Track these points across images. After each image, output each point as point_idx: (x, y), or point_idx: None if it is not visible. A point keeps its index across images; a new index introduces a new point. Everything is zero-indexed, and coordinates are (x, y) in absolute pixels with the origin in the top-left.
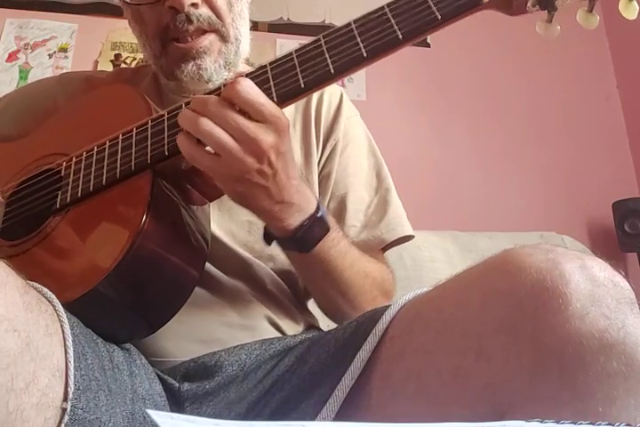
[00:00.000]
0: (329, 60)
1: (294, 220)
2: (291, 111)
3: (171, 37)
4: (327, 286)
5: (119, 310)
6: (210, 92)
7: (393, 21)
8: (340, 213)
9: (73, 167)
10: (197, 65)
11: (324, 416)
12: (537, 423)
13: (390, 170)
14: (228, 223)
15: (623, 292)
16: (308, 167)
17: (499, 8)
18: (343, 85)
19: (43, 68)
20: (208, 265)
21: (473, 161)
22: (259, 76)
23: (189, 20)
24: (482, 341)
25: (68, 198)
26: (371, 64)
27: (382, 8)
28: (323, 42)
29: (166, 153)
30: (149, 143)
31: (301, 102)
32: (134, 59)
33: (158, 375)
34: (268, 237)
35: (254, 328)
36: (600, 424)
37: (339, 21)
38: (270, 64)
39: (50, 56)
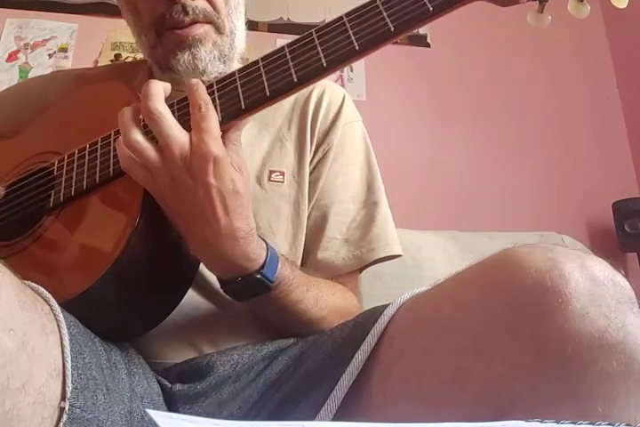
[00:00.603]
0: (321, 54)
1: (223, 273)
2: (287, 112)
3: (166, 27)
4: (278, 326)
5: (116, 307)
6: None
7: (385, 14)
8: (322, 223)
9: (65, 166)
10: (193, 54)
11: (323, 417)
12: (537, 423)
13: (390, 170)
14: None
15: (623, 291)
16: (300, 171)
17: None
18: (343, 85)
19: (43, 68)
20: (202, 267)
21: (473, 161)
22: (252, 72)
23: (185, 11)
24: (481, 340)
25: (62, 198)
26: (363, 57)
27: (374, 1)
28: (315, 36)
29: None
30: None
31: (299, 103)
32: (134, 59)
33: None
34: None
35: (247, 331)
36: (600, 424)
37: None
38: (262, 59)
39: (50, 56)
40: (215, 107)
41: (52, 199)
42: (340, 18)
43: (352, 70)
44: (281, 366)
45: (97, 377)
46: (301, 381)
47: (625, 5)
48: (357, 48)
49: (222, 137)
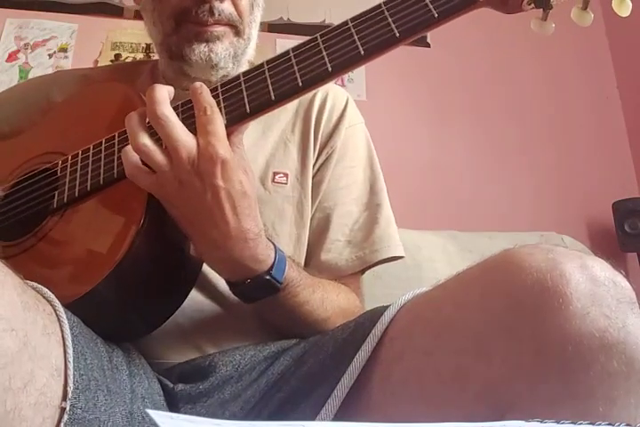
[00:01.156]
0: (327, 59)
1: (231, 275)
2: (291, 115)
3: (187, 20)
4: (282, 328)
5: (119, 308)
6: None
7: (390, 20)
8: (325, 225)
9: (69, 167)
10: (210, 48)
11: (324, 417)
12: (537, 423)
13: (390, 170)
14: None
15: (624, 291)
16: (304, 173)
17: (494, 6)
18: (343, 85)
19: (43, 68)
20: (205, 267)
21: (473, 161)
22: (256, 76)
23: (211, 12)
24: (481, 341)
25: (66, 199)
26: (368, 62)
27: (379, 6)
28: (320, 40)
29: None
30: None
31: (303, 106)
32: (134, 59)
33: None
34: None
35: (249, 331)
36: (600, 424)
37: (338, 21)
38: (267, 63)
39: (50, 56)
40: (220, 110)
41: (55, 200)
42: (346, 23)
43: (352, 70)
44: (283, 366)
45: (98, 378)
46: (302, 381)
47: (628, 13)
48: (363, 53)
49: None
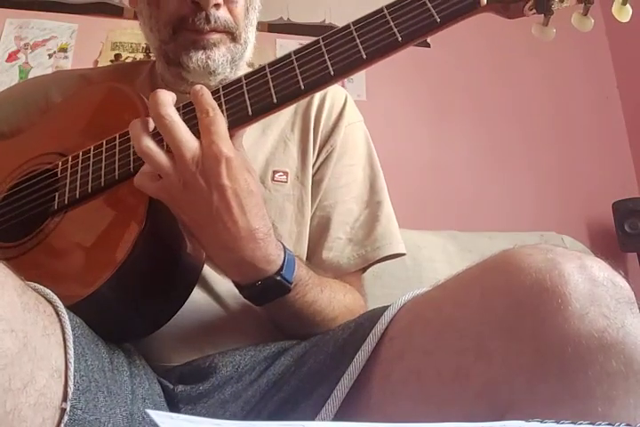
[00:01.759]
0: (329, 62)
1: (242, 277)
2: (290, 114)
3: (183, 28)
4: (286, 328)
5: (119, 310)
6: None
7: (392, 24)
8: (326, 223)
9: (70, 168)
10: (207, 55)
11: (324, 417)
12: (537, 423)
13: (390, 170)
14: None
15: (622, 292)
16: (304, 172)
17: (496, 11)
18: (343, 85)
19: (43, 68)
20: (206, 268)
21: (473, 160)
22: (258, 79)
23: (208, 20)
24: (481, 341)
25: (66, 200)
26: (370, 66)
27: (381, 10)
28: (322, 44)
29: None
30: None
31: (302, 105)
32: (134, 59)
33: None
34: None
35: (249, 332)
36: (600, 424)
37: (339, 21)
38: (269, 66)
39: (50, 56)
40: (222, 112)
41: (56, 201)
42: (348, 26)
43: None
44: (283, 366)
45: (99, 379)
46: (302, 381)
47: (628, 19)
48: (365, 57)
49: None
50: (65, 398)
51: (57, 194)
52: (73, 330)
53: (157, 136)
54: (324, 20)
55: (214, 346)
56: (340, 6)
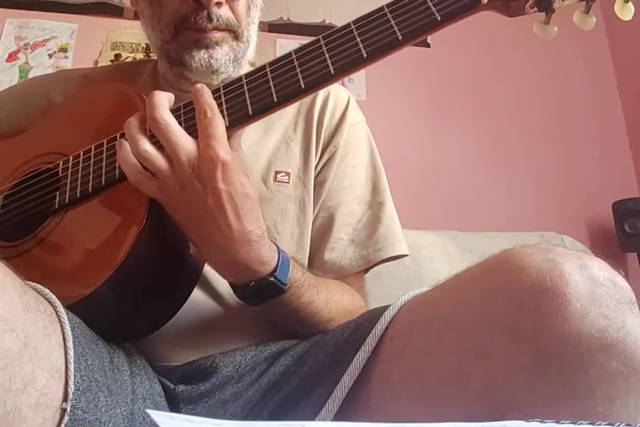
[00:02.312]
0: (329, 61)
1: (236, 278)
2: (293, 114)
3: (186, 27)
4: (283, 328)
5: (119, 310)
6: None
7: (392, 22)
8: (328, 224)
9: (71, 167)
10: (209, 53)
11: (324, 416)
12: (537, 423)
13: (390, 170)
14: None
15: (623, 292)
16: (306, 172)
17: (497, 9)
18: (343, 85)
19: (43, 68)
20: (206, 268)
21: (473, 160)
22: (259, 78)
23: (209, 18)
24: (481, 341)
25: (67, 199)
26: (370, 64)
27: (382, 9)
28: (323, 43)
29: None
30: None
31: (305, 105)
32: (134, 59)
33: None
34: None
35: (250, 332)
36: (600, 424)
37: (339, 21)
38: (270, 65)
39: (50, 56)
40: (222, 112)
41: (57, 201)
42: (348, 25)
43: None
44: (283, 366)
45: (99, 379)
46: (303, 381)
47: (630, 17)
48: (365, 56)
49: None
50: (65, 399)
51: (58, 193)
52: (72, 330)
53: (154, 137)
54: (324, 20)
55: (215, 346)
56: (340, 6)
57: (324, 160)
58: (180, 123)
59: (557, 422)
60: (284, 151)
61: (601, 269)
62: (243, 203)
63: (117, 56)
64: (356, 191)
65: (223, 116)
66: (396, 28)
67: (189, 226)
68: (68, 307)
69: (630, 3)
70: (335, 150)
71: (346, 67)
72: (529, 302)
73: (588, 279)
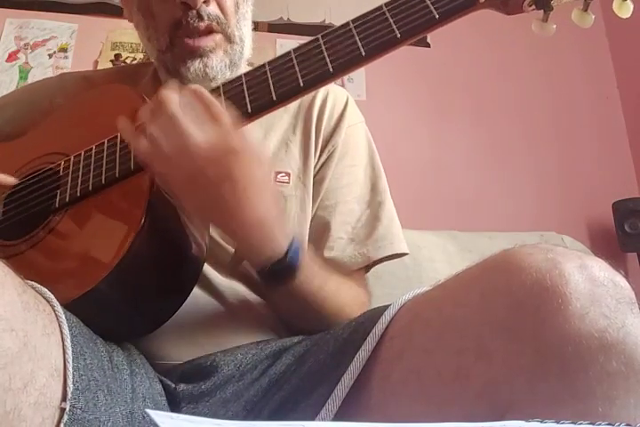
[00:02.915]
0: (327, 60)
1: (253, 260)
2: (292, 115)
3: (180, 34)
4: (293, 319)
5: (119, 308)
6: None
7: (391, 20)
8: (327, 223)
9: (72, 167)
10: (204, 63)
11: (324, 416)
12: (537, 423)
13: (390, 170)
14: None
15: (623, 292)
16: (306, 172)
17: (495, 7)
18: (343, 85)
19: (43, 68)
20: (206, 267)
21: (473, 160)
22: (258, 76)
23: (200, 17)
24: (481, 340)
25: (67, 198)
26: (369, 63)
27: (380, 7)
28: (322, 41)
29: None
30: None
31: (303, 106)
32: (134, 59)
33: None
34: (233, 263)
35: (250, 330)
36: (600, 424)
37: (339, 21)
38: (269, 63)
39: (50, 56)
40: None
41: (57, 199)
42: (347, 24)
43: None
44: (284, 365)
45: (98, 378)
46: (303, 380)
47: (629, 15)
48: (364, 54)
49: None
50: (64, 398)
51: (58, 192)
52: (70, 329)
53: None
54: (324, 20)
55: (216, 344)
56: (340, 6)
57: (322, 159)
58: None
59: (557, 422)
60: (283, 152)
61: (601, 269)
62: (257, 189)
63: (117, 56)
64: (355, 191)
65: None
66: (394, 27)
67: (200, 214)
68: (66, 306)
69: (629, 0)
70: (334, 150)
71: (345, 65)
72: (529, 301)
73: (589, 279)
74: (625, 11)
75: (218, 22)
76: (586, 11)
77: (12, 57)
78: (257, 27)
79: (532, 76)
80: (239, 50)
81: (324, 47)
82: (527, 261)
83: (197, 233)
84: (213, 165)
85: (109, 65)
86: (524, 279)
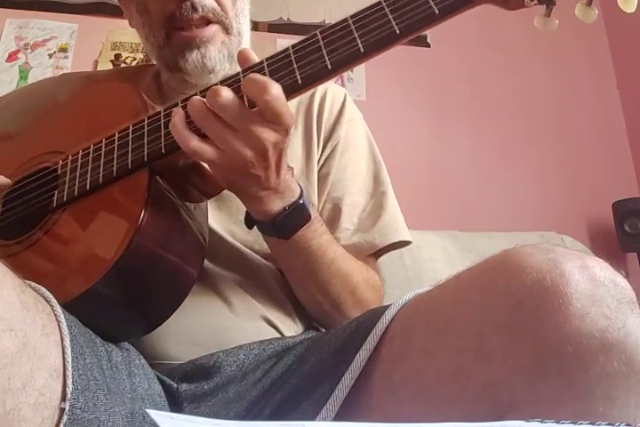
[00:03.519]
0: (326, 56)
1: (275, 205)
2: (292, 111)
3: (175, 26)
4: (306, 281)
5: (117, 308)
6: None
7: (390, 16)
8: (335, 215)
9: (69, 165)
10: (202, 53)
11: (324, 416)
12: (537, 423)
13: (390, 169)
14: (228, 223)
15: (623, 292)
16: (308, 166)
17: (497, 2)
18: (343, 85)
19: (43, 68)
20: (207, 263)
21: (473, 160)
22: (255, 73)
23: (194, 9)
24: (482, 340)
25: (65, 197)
26: (368, 60)
27: (379, 3)
28: (320, 37)
29: (163, 151)
30: (146, 141)
31: (303, 102)
32: (134, 59)
33: (157, 376)
34: (250, 222)
35: (252, 329)
36: (600, 424)
37: None
38: (267, 60)
39: (50, 56)
40: None
41: (55, 198)
42: (345, 20)
43: (352, 70)
44: (286, 366)
45: (98, 378)
46: (304, 380)
47: (633, 10)
48: (362, 50)
49: None
50: (64, 398)
51: (56, 191)
52: (69, 329)
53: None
54: (324, 20)
55: (217, 344)
56: (340, 6)
57: (326, 153)
58: (159, 126)
59: (557, 422)
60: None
61: (602, 269)
62: (283, 165)
63: (117, 56)
64: (359, 182)
65: None
66: (393, 23)
67: (229, 186)
68: (66, 304)
69: None
70: (337, 143)
71: (343, 62)
72: (529, 301)
73: (589, 279)
74: (630, 5)
75: (214, 14)
76: (589, 5)
77: (11, 57)
78: (257, 27)
79: (531, 76)
80: (237, 42)
81: (322, 43)
82: (528, 261)
83: (197, 230)
84: (267, 159)
85: (109, 65)
86: (525, 279)
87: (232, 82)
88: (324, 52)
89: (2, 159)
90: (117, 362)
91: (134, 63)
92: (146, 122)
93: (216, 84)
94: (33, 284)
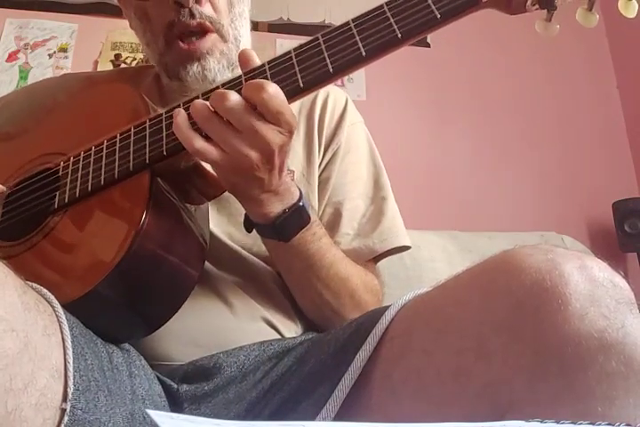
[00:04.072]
0: (328, 60)
1: (275, 207)
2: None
3: (175, 34)
4: (304, 284)
5: (118, 309)
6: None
7: (392, 20)
8: (336, 219)
9: (71, 167)
10: (202, 66)
11: (324, 416)
12: (537, 423)
13: (390, 170)
14: (226, 226)
15: (622, 292)
16: (310, 170)
17: (498, 7)
18: (343, 85)
19: (43, 68)
20: (208, 265)
21: (473, 161)
22: (256, 76)
23: (192, 15)
24: (481, 341)
25: (67, 199)
26: (369, 63)
27: (381, 7)
28: (321, 41)
29: (165, 153)
30: (147, 143)
31: (305, 106)
32: (134, 59)
33: (157, 377)
34: (249, 225)
35: (253, 330)
36: (600, 424)
37: (339, 21)
38: (268, 63)
39: (50, 56)
40: None
41: (56, 200)
42: (347, 23)
43: None
44: (286, 367)
45: (98, 379)
46: (304, 380)
47: (634, 15)
48: (364, 54)
49: None
50: (65, 399)
51: (57, 193)
52: (71, 329)
53: (199, 129)
54: (324, 21)
55: (218, 345)
56: (340, 6)
57: (327, 158)
58: (161, 128)
59: (557, 422)
60: None
61: (601, 270)
62: (284, 167)
63: (117, 56)
64: (359, 187)
65: None
66: (395, 27)
67: (231, 188)
68: (67, 306)
69: (634, 0)
70: (338, 148)
71: (345, 65)
72: (529, 302)
73: (588, 280)
74: (631, 10)
75: (211, 21)
76: (590, 10)
77: (11, 57)
78: (257, 27)
79: (531, 76)
80: (235, 49)
81: (323, 47)
82: (527, 261)
83: (198, 233)
84: (271, 162)
85: (109, 65)
86: (524, 280)
87: (233, 85)
88: (326, 55)
89: (2, 160)
90: (118, 363)
91: (134, 63)
92: (147, 124)
93: (218, 88)
94: (34, 285)
